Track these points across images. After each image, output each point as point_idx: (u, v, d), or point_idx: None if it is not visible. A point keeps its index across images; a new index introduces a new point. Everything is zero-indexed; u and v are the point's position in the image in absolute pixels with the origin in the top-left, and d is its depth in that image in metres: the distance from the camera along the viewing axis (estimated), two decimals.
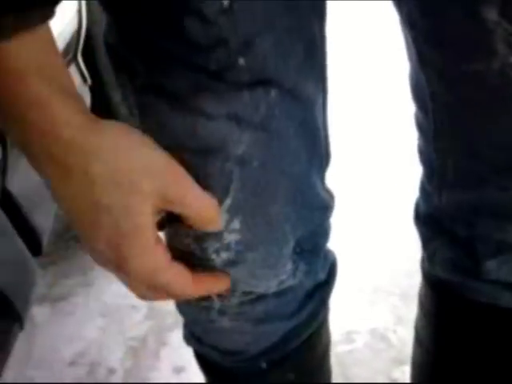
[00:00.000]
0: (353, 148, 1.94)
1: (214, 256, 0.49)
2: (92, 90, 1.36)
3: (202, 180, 0.45)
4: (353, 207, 1.64)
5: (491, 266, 0.53)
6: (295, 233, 0.53)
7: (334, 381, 1.10)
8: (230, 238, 0.48)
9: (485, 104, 0.45)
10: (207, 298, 0.54)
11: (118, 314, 1.40)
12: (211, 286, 0.49)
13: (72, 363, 1.29)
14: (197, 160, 0.45)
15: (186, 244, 0.48)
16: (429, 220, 0.59)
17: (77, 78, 1.31)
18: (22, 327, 0.83)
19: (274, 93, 0.44)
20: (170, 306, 1.08)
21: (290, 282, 0.55)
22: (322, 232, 0.58)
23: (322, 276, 0.60)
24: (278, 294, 0.55)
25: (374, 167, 1.85)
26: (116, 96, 1.48)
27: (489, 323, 0.58)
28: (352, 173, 1.82)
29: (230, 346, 0.61)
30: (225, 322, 0.56)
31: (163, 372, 1.23)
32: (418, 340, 0.67)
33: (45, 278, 1.54)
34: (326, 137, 0.54)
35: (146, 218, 0.40)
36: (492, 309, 0.56)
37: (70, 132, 0.37)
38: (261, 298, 0.55)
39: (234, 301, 0.54)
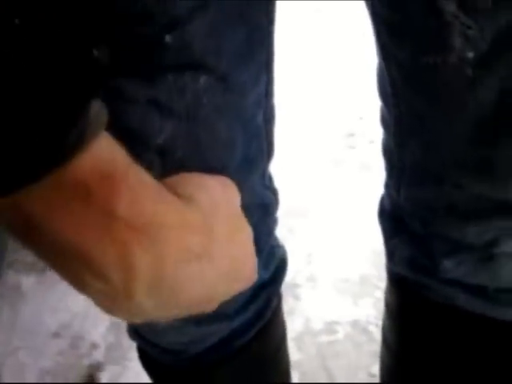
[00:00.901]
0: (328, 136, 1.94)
1: None
2: None
3: None
4: (339, 199, 1.64)
5: (448, 265, 0.53)
6: None
7: (312, 372, 1.12)
8: None
9: (441, 98, 0.44)
10: None
11: None
12: None
13: (55, 335, 1.29)
14: None
15: None
16: (390, 216, 0.59)
17: None
18: None
19: (203, 80, 0.41)
20: None
21: None
22: (262, 230, 0.55)
23: (264, 275, 0.58)
24: None
25: (361, 155, 1.84)
26: None
27: (447, 324, 0.58)
28: (334, 155, 1.82)
29: (171, 345, 0.59)
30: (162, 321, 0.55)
31: None
32: (384, 337, 0.67)
33: None
34: (269, 130, 0.51)
35: None
36: (450, 309, 0.56)
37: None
38: None
39: None
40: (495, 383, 0.58)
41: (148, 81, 0.39)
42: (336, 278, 1.36)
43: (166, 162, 0.43)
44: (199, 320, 0.54)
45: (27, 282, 1.44)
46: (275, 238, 0.60)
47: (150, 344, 0.60)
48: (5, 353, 1.25)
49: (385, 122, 0.54)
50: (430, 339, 0.60)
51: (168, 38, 0.38)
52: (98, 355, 1.24)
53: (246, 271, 0.37)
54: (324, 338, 1.19)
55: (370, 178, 1.67)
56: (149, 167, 0.41)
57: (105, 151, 0.29)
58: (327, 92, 2.19)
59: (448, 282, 0.54)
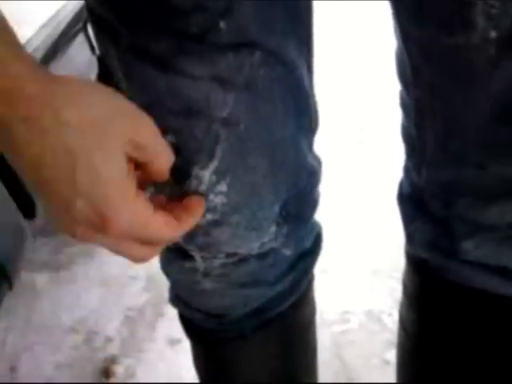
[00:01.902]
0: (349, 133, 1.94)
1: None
2: (100, 60, 1.36)
3: (188, 142, 0.45)
4: (356, 190, 1.64)
5: (468, 246, 0.53)
6: (280, 196, 0.53)
7: (327, 359, 1.12)
8: (217, 200, 0.49)
9: (463, 79, 0.44)
10: (191, 260, 0.55)
11: (117, 284, 1.41)
12: (192, 218, 0.45)
13: (70, 330, 1.31)
14: (181, 121, 0.45)
15: None
16: (409, 199, 0.59)
17: (86, 47, 1.30)
18: (10, 288, 0.85)
19: (258, 54, 0.44)
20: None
21: (272, 244, 0.56)
22: (309, 199, 0.59)
23: (306, 244, 0.61)
24: (260, 257, 0.56)
25: (372, 149, 1.84)
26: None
27: (467, 305, 0.58)
28: (345, 149, 1.82)
29: (213, 309, 0.62)
30: (208, 284, 0.57)
31: (158, 343, 1.25)
32: (402, 324, 0.67)
33: (47, 246, 1.55)
34: (314, 102, 0.54)
35: (122, 162, 0.37)
36: (469, 291, 0.56)
37: (34, 88, 0.34)
38: (243, 260, 0.55)
39: (217, 262, 0.55)
40: None
41: (209, 59, 0.43)
42: (349, 269, 1.37)
43: (231, 134, 0.46)
44: (243, 284, 0.57)
45: (41, 280, 1.45)
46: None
47: (193, 309, 0.62)
48: (21, 348, 1.26)
49: (404, 104, 0.54)
50: (449, 322, 0.60)
51: (222, 24, 0.42)
52: (113, 349, 1.25)
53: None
54: (338, 328, 1.19)
55: (382, 171, 1.67)
56: (216, 139, 0.46)
57: None
58: (339, 88, 2.19)
59: (468, 262, 0.54)
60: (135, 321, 1.31)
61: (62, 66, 1.11)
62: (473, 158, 0.48)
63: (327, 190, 0.67)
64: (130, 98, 0.45)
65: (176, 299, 0.65)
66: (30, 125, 0.34)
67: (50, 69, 1.03)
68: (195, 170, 0.47)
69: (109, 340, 1.27)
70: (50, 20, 1.07)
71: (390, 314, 1.21)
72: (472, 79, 0.43)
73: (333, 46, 2.45)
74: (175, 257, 0.57)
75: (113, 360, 1.22)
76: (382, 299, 1.26)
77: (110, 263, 1.46)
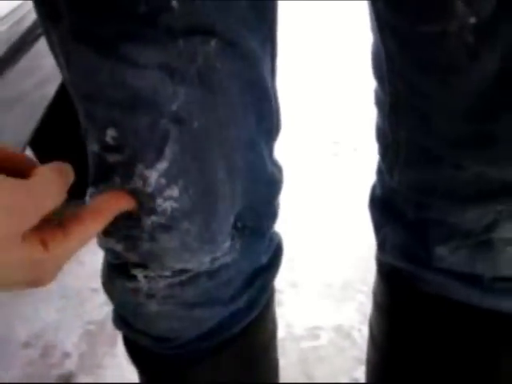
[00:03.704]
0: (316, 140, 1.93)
1: (144, 219, 0.45)
2: None
3: (131, 137, 0.41)
4: (326, 203, 1.62)
5: (442, 252, 0.50)
6: (237, 204, 0.49)
7: (294, 377, 1.08)
8: (165, 205, 0.44)
9: (440, 70, 0.42)
10: (133, 280, 0.50)
11: (77, 297, 1.35)
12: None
13: (26, 344, 1.24)
14: (124, 114, 0.41)
15: None
16: (381, 203, 0.56)
17: (48, 53, 1.25)
18: None
19: (213, 43, 0.41)
20: None
21: (225, 260, 0.51)
22: (268, 211, 0.55)
23: (263, 259, 0.57)
24: (212, 274, 0.51)
25: (346, 162, 1.83)
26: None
27: (440, 316, 0.55)
28: (319, 162, 1.80)
29: (161, 332, 0.56)
30: (153, 306, 0.52)
31: (119, 358, 1.19)
32: (372, 336, 0.64)
33: None
34: (276, 106, 0.51)
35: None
36: (443, 300, 0.54)
37: None
38: (192, 278, 0.50)
39: (163, 283, 0.50)
40: (491, 377, 0.55)
41: (158, 46, 0.39)
42: (318, 283, 1.34)
43: (183, 133, 0.42)
44: (193, 304, 0.52)
45: None
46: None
47: (139, 333, 0.57)
48: None
49: (379, 101, 0.52)
50: (422, 333, 0.57)
51: (174, 3, 0.38)
52: (71, 365, 1.18)
53: None
54: (306, 344, 1.16)
55: (354, 185, 1.66)
56: (165, 137, 0.41)
57: None
58: (313, 99, 2.18)
59: (442, 271, 0.52)
60: (95, 335, 1.25)
61: (27, 69, 1.06)
62: (448, 157, 0.46)
63: (296, 202, 0.64)
64: (74, 88, 0.43)
65: (119, 321, 0.58)
66: None
67: (13, 70, 0.98)
68: (139, 169, 0.43)
69: (66, 355, 1.21)
70: (13, 12, 1.02)
71: (359, 330, 1.19)
72: (450, 70, 0.41)
73: (306, 57, 2.45)
74: (117, 276, 0.52)
75: (70, 377, 1.16)
76: (351, 314, 1.24)
77: (71, 274, 1.40)
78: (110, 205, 0.41)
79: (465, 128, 0.43)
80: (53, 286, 1.38)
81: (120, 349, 1.21)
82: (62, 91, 1.30)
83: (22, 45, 1.04)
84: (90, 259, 1.47)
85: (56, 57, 0.44)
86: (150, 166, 0.42)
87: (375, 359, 0.65)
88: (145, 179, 0.43)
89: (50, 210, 0.37)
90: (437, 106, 0.44)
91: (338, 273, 1.36)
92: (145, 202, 0.44)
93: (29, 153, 1.53)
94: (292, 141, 1.68)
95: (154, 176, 0.43)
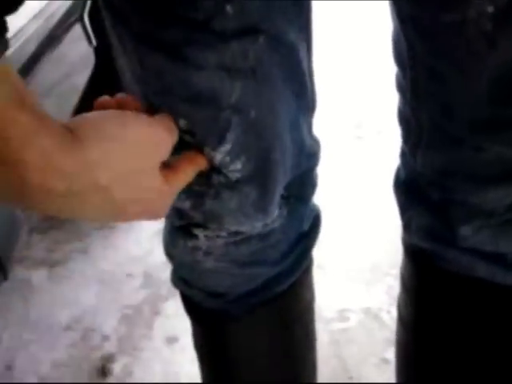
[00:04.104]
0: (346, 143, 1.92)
1: (213, 177, 0.51)
2: (97, 51, 1.34)
3: (198, 126, 0.47)
4: (352, 186, 1.63)
5: (466, 232, 0.52)
6: (287, 177, 0.55)
7: (326, 358, 1.11)
8: (231, 175, 0.51)
9: (460, 57, 0.44)
10: (194, 239, 0.57)
11: (113, 282, 1.40)
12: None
13: (67, 328, 1.29)
14: (191, 108, 0.46)
15: None
16: (405, 186, 0.59)
17: (81, 40, 1.28)
18: (5, 278, 0.85)
19: (261, 39, 0.45)
20: (165, 275, 1.08)
21: (274, 225, 0.57)
22: (309, 180, 0.61)
23: (305, 226, 0.63)
24: (262, 237, 0.58)
25: (370, 145, 1.83)
26: (120, 59, 1.46)
27: (466, 295, 0.57)
28: (342, 146, 1.81)
29: (215, 287, 0.63)
30: (210, 263, 0.59)
31: (156, 341, 1.24)
32: (400, 318, 0.67)
33: (43, 243, 1.54)
34: (312, 84, 0.55)
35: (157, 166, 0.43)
36: (468, 279, 0.56)
37: (65, 163, 0.35)
38: (245, 239, 0.57)
39: (220, 241, 0.57)
40: None
41: (215, 48, 0.44)
42: (346, 265, 1.36)
43: (243, 122, 0.48)
44: (244, 263, 0.59)
45: (37, 276, 1.44)
46: None
47: (195, 288, 0.64)
48: (17, 346, 1.25)
49: (401, 87, 0.54)
50: (448, 312, 0.59)
51: (228, 8, 0.43)
52: (110, 347, 1.24)
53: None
54: (336, 326, 1.19)
55: (379, 168, 1.66)
56: (227, 125, 0.48)
57: None
58: (335, 85, 2.18)
59: (466, 250, 0.54)
60: (132, 319, 1.30)
61: (55, 59, 1.09)
62: (470, 140, 0.47)
63: (323, 186, 0.67)
64: (145, 84, 0.48)
65: (178, 280, 0.66)
66: (71, 198, 0.36)
67: (42, 62, 1.02)
68: (206, 150, 0.49)
69: (105, 338, 1.26)
70: (43, 9, 1.06)
71: (388, 312, 1.21)
72: (469, 58, 0.43)
73: (329, 44, 2.44)
74: (179, 236, 0.59)
75: (110, 358, 1.21)
76: (379, 296, 1.26)
77: (106, 260, 1.45)
78: (196, 159, 0.49)
79: (483, 112, 0.45)
80: (89, 272, 1.44)
81: (156, 332, 1.26)
82: (92, 82, 1.34)
83: (51, 40, 1.08)
84: (124, 245, 1.53)
85: (128, 56, 0.48)
86: (214, 149, 0.49)
87: (404, 339, 0.67)
88: (212, 157, 0.49)
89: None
90: (456, 91, 0.46)
91: (366, 255, 1.38)
92: (214, 167, 0.51)
93: None
94: (315, 124, 1.69)
95: (218, 156, 0.49)
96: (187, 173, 0.47)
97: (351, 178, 1.67)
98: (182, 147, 0.50)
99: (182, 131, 0.48)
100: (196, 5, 0.42)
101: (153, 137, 0.41)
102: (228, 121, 0.47)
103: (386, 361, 1.10)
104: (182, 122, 0.47)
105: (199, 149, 0.49)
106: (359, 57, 2.43)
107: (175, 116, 0.46)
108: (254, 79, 0.47)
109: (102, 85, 1.44)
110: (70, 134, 0.36)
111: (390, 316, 1.19)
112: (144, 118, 0.42)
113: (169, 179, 0.44)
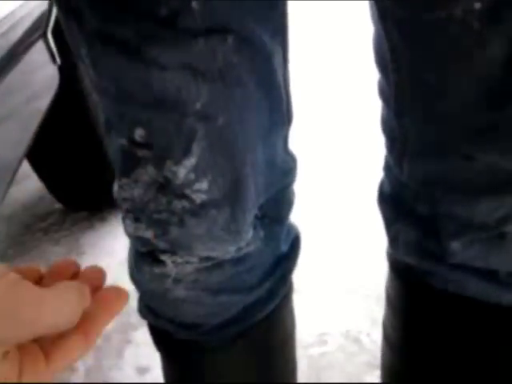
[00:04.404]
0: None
1: (175, 203, 0.47)
2: (61, 69, 1.30)
3: (158, 136, 0.43)
4: (330, 207, 1.61)
5: (456, 247, 0.50)
6: (260, 196, 0.51)
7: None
8: (194, 196, 0.47)
9: (446, 58, 0.41)
10: (161, 266, 0.52)
11: None
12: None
13: None
14: (151, 114, 0.42)
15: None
16: (391, 199, 0.56)
17: (45, 56, 1.24)
18: None
19: (230, 40, 0.42)
20: (135, 303, 1.03)
21: (249, 249, 0.53)
22: (285, 199, 0.57)
23: (283, 248, 0.59)
24: (236, 262, 0.54)
25: (348, 165, 1.82)
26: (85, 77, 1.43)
27: (456, 314, 0.54)
28: (328, 173, 1.79)
29: (187, 319, 0.59)
30: (180, 291, 0.55)
31: (126, 371, 1.18)
32: (386, 336, 0.64)
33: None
34: (288, 94, 0.52)
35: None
36: (458, 297, 0.53)
37: None
38: (218, 265, 0.53)
39: (190, 268, 0.52)
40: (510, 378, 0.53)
41: (179, 47, 0.40)
42: (324, 288, 1.32)
43: (209, 129, 0.44)
44: (218, 290, 0.55)
45: None
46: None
47: (164, 319, 0.59)
48: None
49: (383, 94, 0.51)
50: (438, 331, 0.56)
51: (194, 4, 0.39)
52: (77, 379, 1.17)
53: None
54: (315, 350, 1.15)
55: (356, 186, 1.65)
56: (192, 135, 0.43)
57: None
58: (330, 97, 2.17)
59: (456, 266, 0.51)
60: (101, 348, 1.24)
61: (20, 78, 1.05)
62: (458, 148, 0.45)
63: (297, 204, 0.64)
64: (99, 88, 0.44)
65: (145, 310, 0.61)
66: None
67: (3, 82, 0.97)
68: (168, 165, 0.45)
69: (73, 370, 1.20)
70: (2, 23, 1.01)
71: (368, 335, 1.17)
72: (455, 58, 0.40)
73: (307, 51, 2.44)
74: (144, 263, 0.54)
75: None
76: (359, 319, 1.22)
77: None
78: (102, 314, 0.36)
79: (475, 117, 0.43)
80: None
81: (126, 361, 1.20)
82: (56, 103, 1.29)
83: (12, 58, 1.03)
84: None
85: (80, 58, 0.44)
86: (178, 162, 0.44)
87: (390, 359, 0.64)
88: (174, 173, 0.45)
89: (58, 331, 0.32)
90: (443, 95, 0.43)
91: (344, 278, 1.35)
92: (176, 189, 0.46)
93: (26, 165, 1.52)
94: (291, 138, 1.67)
95: (182, 171, 0.45)
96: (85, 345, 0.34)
97: (328, 199, 1.65)
98: (135, 165, 0.46)
99: (135, 145, 0.44)
100: (160, 1, 0.39)
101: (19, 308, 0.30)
102: (193, 129, 0.43)
103: None
104: (139, 133, 0.43)
105: (158, 164, 0.44)
106: (338, 64, 2.43)
107: (131, 125, 0.43)
108: (222, 83, 0.43)
109: (67, 105, 1.40)
110: None
111: (370, 339, 1.16)
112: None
113: (35, 368, 0.32)
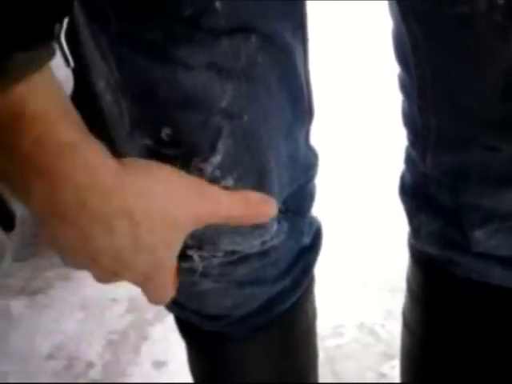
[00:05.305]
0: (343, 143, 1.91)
1: None
2: (75, 73, 1.32)
3: (185, 134, 0.43)
4: (346, 200, 1.61)
5: (480, 236, 0.50)
6: (284, 191, 0.52)
7: (322, 375, 1.07)
8: None
9: (469, 52, 0.42)
10: (189, 261, 0.53)
11: (97, 307, 1.35)
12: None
13: (49, 357, 1.24)
14: (177, 113, 0.43)
15: None
16: (413, 190, 0.56)
17: (59, 59, 1.26)
18: None
19: (253, 39, 0.43)
20: None
21: (274, 242, 0.54)
22: (307, 193, 0.57)
23: (306, 240, 0.59)
24: (261, 255, 0.54)
25: (366, 158, 1.82)
26: (100, 82, 1.43)
27: (480, 303, 0.55)
28: (345, 167, 1.79)
29: (213, 310, 0.59)
30: (207, 284, 0.55)
31: (143, 366, 1.19)
32: (406, 325, 0.64)
33: (23, 271, 1.49)
34: (309, 90, 0.52)
35: (180, 246, 0.41)
36: (482, 286, 0.53)
37: (108, 181, 0.35)
38: (243, 258, 0.54)
39: (216, 261, 0.53)
40: None
41: (204, 46, 0.41)
42: (339, 281, 1.33)
43: (235, 127, 0.44)
44: (244, 282, 0.56)
45: (17, 306, 1.39)
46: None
47: (191, 312, 0.61)
48: None
49: (405, 87, 0.52)
50: (461, 320, 0.57)
51: (218, 4, 0.40)
52: (95, 374, 1.19)
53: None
54: (331, 342, 1.15)
55: (371, 185, 1.65)
56: (218, 132, 0.44)
57: (32, 90, 0.31)
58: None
59: (480, 255, 0.52)
60: (118, 344, 1.25)
61: None
62: (482, 139, 0.45)
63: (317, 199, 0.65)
64: (123, 89, 0.44)
65: (172, 303, 0.62)
66: (98, 221, 0.34)
67: None
68: (194, 162, 0.45)
69: (90, 365, 1.21)
70: None
71: (382, 326, 1.18)
72: (478, 52, 0.41)
73: (327, 48, 2.45)
74: None
75: None
76: (373, 311, 1.23)
77: (89, 286, 1.40)
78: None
79: (497, 108, 0.43)
80: (72, 298, 1.38)
81: (143, 357, 1.21)
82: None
83: None
84: None
85: (105, 60, 0.45)
86: (205, 160, 0.45)
87: (410, 347, 0.65)
88: (201, 171, 0.46)
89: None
90: (466, 88, 0.44)
91: (358, 271, 1.36)
92: None
93: None
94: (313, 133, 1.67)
95: (209, 169, 0.45)
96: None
97: (343, 195, 1.65)
98: (161, 161, 0.46)
99: (162, 144, 0.45)
100: (183, 0, 0.40)
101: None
102: (219, 127, 0.44)
103: (382, 375, 1.07)
104: (165, 132, 0.44)
105: (185, 162, 0.46)
106: (358, 60, 2.43)
107: (157, 125, 0.44)
108: (246, 81, 0.44)
109: (80, 108, 1.41)
110: (116, 159, 0.36)
111: (385, 330, 1.17)
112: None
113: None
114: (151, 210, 0.37)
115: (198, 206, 0.40)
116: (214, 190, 0.43)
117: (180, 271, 0.54)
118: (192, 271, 0.54)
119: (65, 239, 0.35)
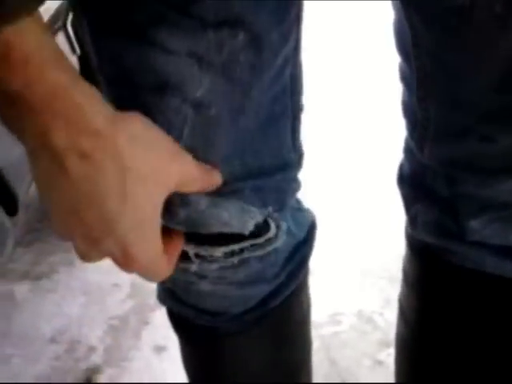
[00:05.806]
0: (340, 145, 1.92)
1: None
2: (81, 60, 1.32)
3: (157, 119, 0.43)
4: (345, 190, 1.62)
5: (475, 226, 0.50)
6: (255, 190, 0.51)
7: (318, 362, 1.09)
8: None
9: (469, 43, 0.42)
10: (185, 260, 0.52)
11: (99, 292, 1.37)
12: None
13: (51, 340, 1.26)
14: (152, 97, 0.42)
15: None
16: (411, 180, 0.57)
17: (65, 47, 1.26)
18: None
19: (241, 36, 0.42)
20: (152, 285, 1.06)
21: (277, 244, 0.54)
22: (287, 188, 0.55)
23: (300, 235, 0.59)
24: (262, 258, 0.54)
25: (365, 147, 1.83)
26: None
27: (474, 290, 0.55)
28: (343, 156, 1.80)
29: (211, 307, 0.60)
30: (205, 285, 0.55)
31: (144, 351, 1.21)
32: (402, 312, 0.65)
33: (26, 256, 1.51)
34: (297, 86, 0.51)
35: (162, 204, 0.40)
36: (476, 274, 0.54)
37: (99, 122, 0.35)
38: (244, 261, 0.53)
39: (214, 266, 0.52)
40: None
41: (188, 34, 0.41)
42: (337, 269, 1.34)
43: (199, 117, 0.44)
44: (242, 284, 0.56)
45: (20, 290, 1.41)
46: (299, 202, 0.61)
47: (187, 306, 0.60)
48: None
49: (405, 78, 0.52)
50: (456, 308, 0.57)
51: None
52: (96, 358, 1.20)
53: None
54: (328, 330, 1.16)
55: (369, 173, 1.66)
56: (185, 120, 0.44)
57: (24, 34, 0.32)
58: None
59: (475, 244, 0.52)
60: (119, 329, 1.27)
61: None
62: (479, 130, 0.46)
63: (313, 190, 0.65)
64: (101, 72, 0.44)
65: (164, 295, 0.62)
66: (88, 162, 0.35)
67: None
68: None
69: (92, 349, 1.23)
70: None
71: (381, 314, 1.19)
72: (477, 42, 0.41)
73: (325, 38, 2.44)
74: None
75: (96, 370, 1.18)
76: (372, 299, 1.24)
77: (92, 271, 1.42)
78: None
79: (495, 100, 0.44)
80: (74, 283, 1.40)
81: (144, 341, 1.23)
82: None
83: None
84: None
85: (87, 44, 0.45)
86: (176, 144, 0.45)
87: (405, 336, 0.65)
88: None
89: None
90: (465, 78, 0.44)
91: (357, 259, 1.37)
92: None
93: None
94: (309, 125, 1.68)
95: None
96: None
97: (340, 182, 1.66)
98: None
99: None
100: None
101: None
102: (185, 114, 0.43)
103: (379, 362, 1.08)
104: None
105: None
106: (359, 51, 2.42)
107: (131, 109, 0.42)
108: (223, 77, 0.43)
109: None
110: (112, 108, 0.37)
111: (382, 318, 1.18)
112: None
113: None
114: (141, 157, 0.37)
115: (183, 164, 0.41)
116: (189, 155, 0.43)
117: (177, 271, 0.52)
118: (186, 271, 0.53)
119: (53, 178, 0.36)
